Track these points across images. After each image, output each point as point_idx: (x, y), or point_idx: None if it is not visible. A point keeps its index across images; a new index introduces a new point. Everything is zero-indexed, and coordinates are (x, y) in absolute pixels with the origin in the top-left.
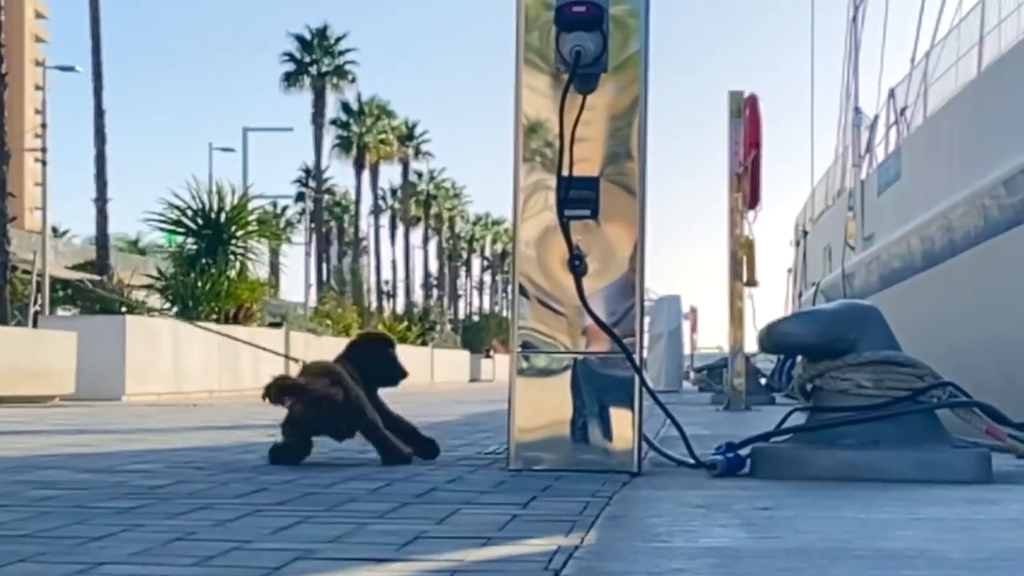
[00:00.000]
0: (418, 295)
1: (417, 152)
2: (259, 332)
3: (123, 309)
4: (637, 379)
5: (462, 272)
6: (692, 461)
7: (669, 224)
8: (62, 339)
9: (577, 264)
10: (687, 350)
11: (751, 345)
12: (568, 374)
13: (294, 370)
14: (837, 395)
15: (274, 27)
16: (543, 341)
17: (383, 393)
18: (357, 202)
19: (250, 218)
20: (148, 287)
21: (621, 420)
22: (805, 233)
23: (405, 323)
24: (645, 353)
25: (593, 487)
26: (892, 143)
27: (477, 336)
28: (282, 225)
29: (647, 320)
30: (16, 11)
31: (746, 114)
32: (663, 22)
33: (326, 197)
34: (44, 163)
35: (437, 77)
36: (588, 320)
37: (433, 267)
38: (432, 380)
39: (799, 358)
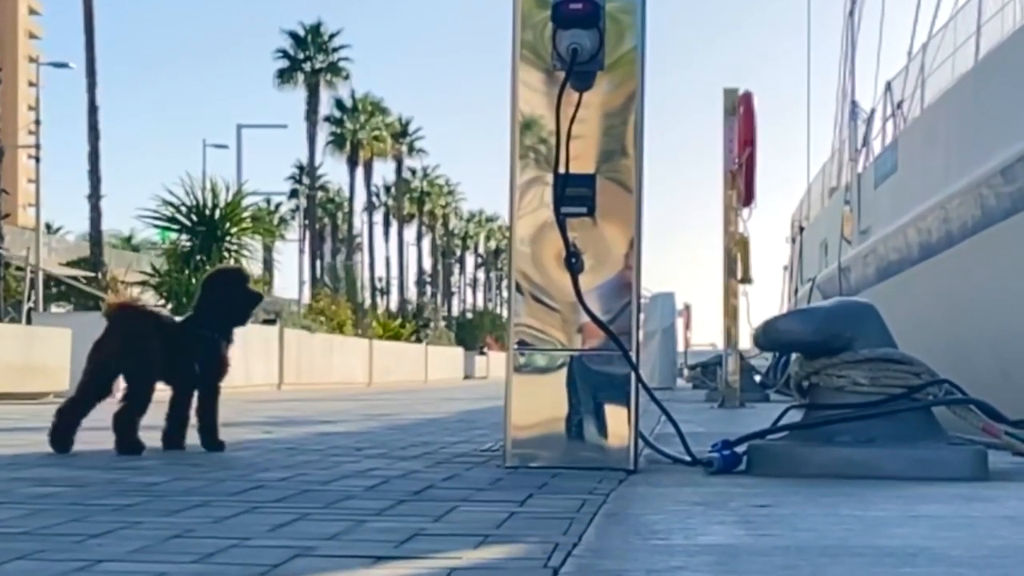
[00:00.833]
0: (412, 292)
1: (411, 149)
2: (252, 330)
3: None
4: (633, 376)
5: (456, 269)
6: (688, 458)
7: (664, 221)
8: (56, 336)
9: (573, 261)
10: (681, 347)
11: (745, 342)
12: (564, 371)
13: None
14: (833, 392)
15: (268, 24)
16: (539, 338)
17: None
18: (351, 199)
19: (244, 215)
20: (142, 284)
21: (617, 417)
22: (801, 229)
23: (399, 320)
24: (640, 351)
25: (590, 484)
26: (889, 136)
27: (471, 333)
28: (276, 222)
29: (641, 317)
30: (10, 7)
31: (741, 111)
32: (659, 19)
33: (320, 194)
34: (38, 160)
35: (431, 74)
36: (584, 317)
37: (427, 264)
38: (426, 377)
39: (794, 355)
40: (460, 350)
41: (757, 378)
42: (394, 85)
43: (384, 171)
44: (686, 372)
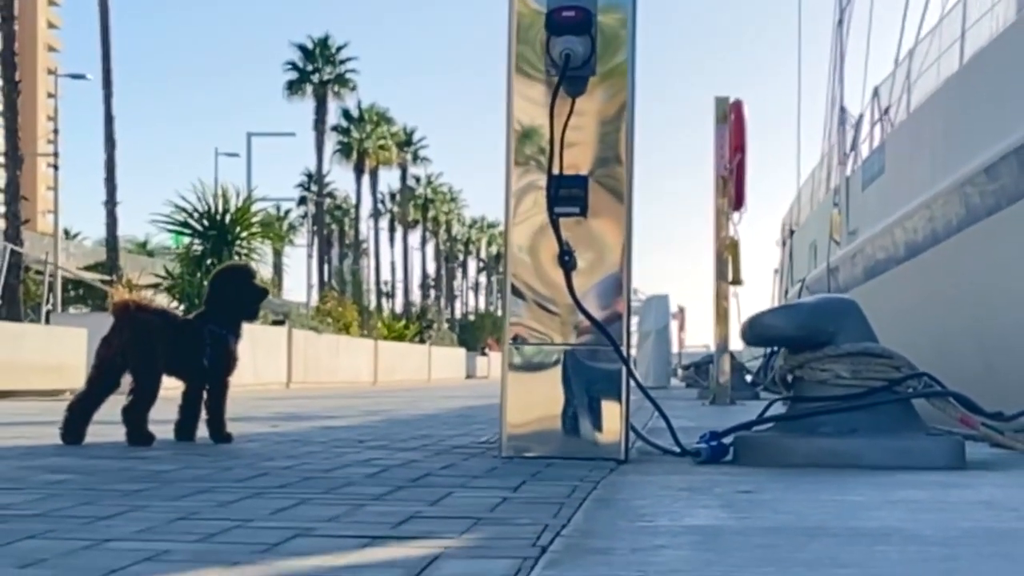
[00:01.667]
0: (416, 295)
1: (415, 157)
2: (262, 330)
3: None
4: (624, 371)
5: (458, 273)
6: (678, 449)
7: (658, 226)
8: (73, 336)
9: (567, 259)
10: (675, 348)
11: (736, 343)
12: (558, 367)
13: None
14: (816, 385)
15: (278, 37)
16: (535, 336)
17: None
18: (357, 205)
19: (254, 220)
20: (156, 286)
21: (609, 411)
22: (791, 232)
23: (404, 322)
24: (634, 350)
25: (581, 473)
26: (876, 140)
27: (473, 334)
28: (285, 228)
29: (636, 319)
30: (29, 21)
31: (731, 119)
32: (651, 30)
33: (327, 201)
34: (56, 168)
35: (434, 85)
36: (578, 317)
37: (431, 268)
38: (429, 376)
39: (780, 351)
40: (462, 351)
41: (748, 378)
42: (399, 96)
43: (389, 179)
44: (680, 372)
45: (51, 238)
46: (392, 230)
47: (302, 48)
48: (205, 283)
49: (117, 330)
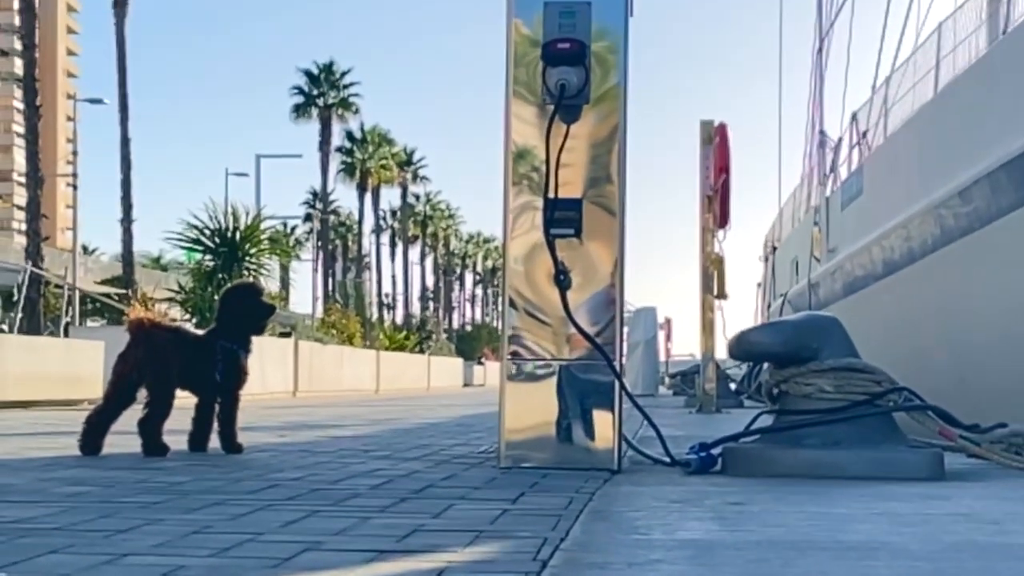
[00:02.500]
0: (416, 307)
1: (415, 176)
2: (269, 341)
3: None
4: (617, 384)
5: (456, 286)
6: (668, 460)
7: (647, 242)
8: (91, 348)
9: (562, 279)
10: (662, 357)
11: (721, 353)
12: (554, 379)
13: None
14: (801, 399)
15: (285, 63)
16: (531, 349)
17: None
18: (360, 222)
19: (262, 237)
20: (169, 300)
21: (602, 422)
22: (774, 249)
23: (404, 332)
24: (624, 360)
25: (577, 483)
26: (855, 162)
27: (470, 345)
28: (292, 243)
29: (626, 330)
30: (49, 48)
31: (716, 141)
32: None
33: (332, 218)
34: (75, 187)
35: (433, 108)
36: (572, 330)
37: (429, 281)
38: (428, 385)
39: (766, 364)
40: (460, 360)
41: (732, 386)
42: (400, 118)
43: (390, 196)
44: (667, 380)
45: (70, 254)
46: (393, 245)
47: (308, 73)
48: (216, 298)
49: (133, 347)
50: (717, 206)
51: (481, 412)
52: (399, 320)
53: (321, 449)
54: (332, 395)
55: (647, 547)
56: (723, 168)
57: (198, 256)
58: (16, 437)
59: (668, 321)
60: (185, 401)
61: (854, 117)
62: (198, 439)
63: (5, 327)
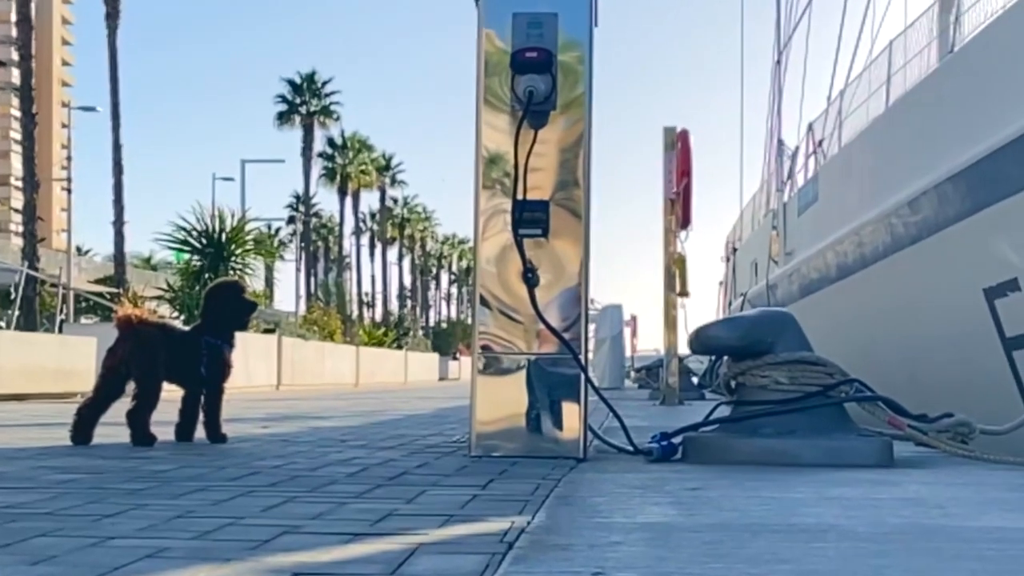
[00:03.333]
0: (394, 305)
1: (393, 181)
2: (254, 337)
3: None
4: (583, 377)
5: (432, 285)
6: (631, 448)
7: (613, 242)
8: (84, 344)
9: (530, 276)
10: (628, 353)
11: (684, 348)
12: (523, 373)
13: None
14: (757, 390)
15: (269, 73)
16: (501, 344)
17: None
18: (341, 224)
19: (247, 238)
20: (159, 298)
21: (569, 413)
22: (735, 250)
23: (383, 329)
24: (591, 356)
25: (544, 471)
26: (811, 170)
27: (445, 341)
28: (275, 244)
29: (592, 327)
30: (45, 59)
31: (678, 147)
32: (606, 66)
33: (314, 220)
34: (69, 191)
35: (410, 116)
36: (540, 326)
37: (407, 281)
38: (406, 379)
39: (725, 359)
40: (436, 356)
41: (694, 380)
42: (378, 126)
43: (370, 200)
44: (632, 374)
45: (64, 255)
46: (372, 246)
47: (291, 83)
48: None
49: (121, 341)
50: (679, 208)
51: (455, 404)
52: (378, 317)
53: (301, 439)
54: (314, 388)
55: (608, 530)
56: (685, 172)
57: (186, 256)
58: (11, 428)
59: (634, 318)
60: (173, 394)
61: (810, 127)
62: (184, 429)
63: (2, 324)
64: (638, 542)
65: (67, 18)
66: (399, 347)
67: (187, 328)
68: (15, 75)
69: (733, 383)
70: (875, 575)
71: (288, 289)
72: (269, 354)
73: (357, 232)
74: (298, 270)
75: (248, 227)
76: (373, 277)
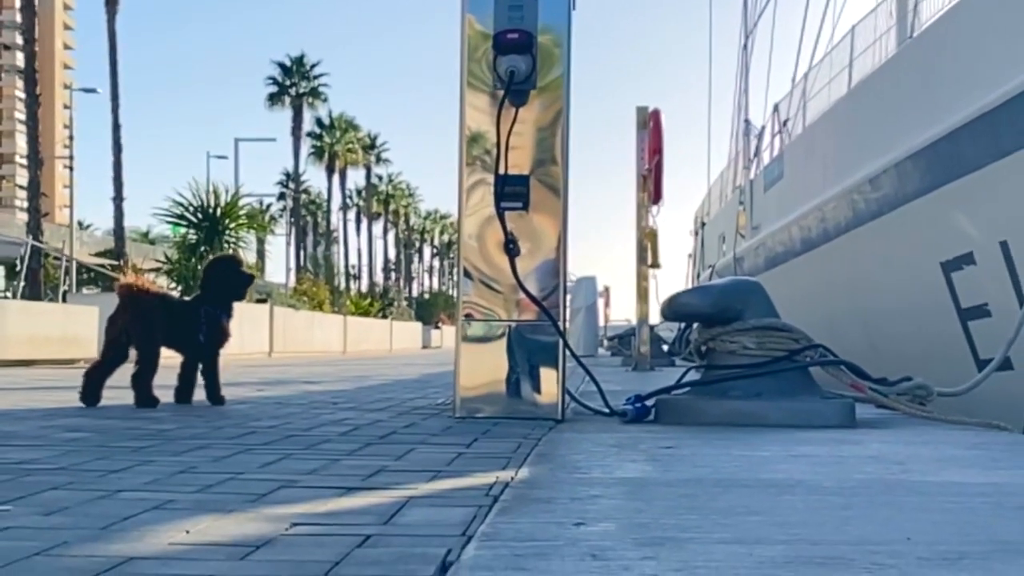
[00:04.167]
0: (379, 277)
1: (378, 159)
2: (247, 307)
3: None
4: (561, 343)
5: (415, 258)
6: (607, 410)
7: (588, 217)
8: (86, 313)
9: (511, 247)
10: (601, 322)
11: (655, 318)
12: (504, 340)
13: None
14: (727, 355)
15: (261, 56)
16: (483, 313)
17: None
18: (329, 200)
19: (241, 213)
20: (157, 270)
21: (548, 377)
22: (703, 224)
23: (368, 299)
24: (567, 325)
25: (524, 431)
26: (776, 149)
27: (428, 311)
28: (267, 219)
29: (568, 297)
30: (48, 43)
31: (650, 125)
32: (583, 49)
33: (303, 196)
34: (71, 169)
35: (395, 97)
36: (520, 296)
37: (391, 254)
38: (391, 347)
39: (695, 326)
40: (419, 325)
41: (664, 347)
42: (364, 106)
43: (356, 177)
44: (606, 343)
45: (67, 229)
46: (358, 221)
47: (281, 65)
48: (199, 267)
49: (122, 310)
50: (651, 184)
51: (438, 371)
52: (364, 288)
53: (294, 402)
54: (304, 355)
55: (588, 484)
56: (656, 150)
57: (183, 230)
58: (19, 391)
59: (607, 289)
60: (173, 360)
61: (776, 108)
62: (183, 392)
63: (9, 294)
64: (616, 495)
65: (68, 4)
66: (384, 317)
67: (187, 298)
68: (19, 58)
69: (703, 348)
70: (842, 525)
71: (279, 261)
72: (262, 323)
73: (344, 208)
74: (288, 244)
75: (241, 203)
76: (359, 250)
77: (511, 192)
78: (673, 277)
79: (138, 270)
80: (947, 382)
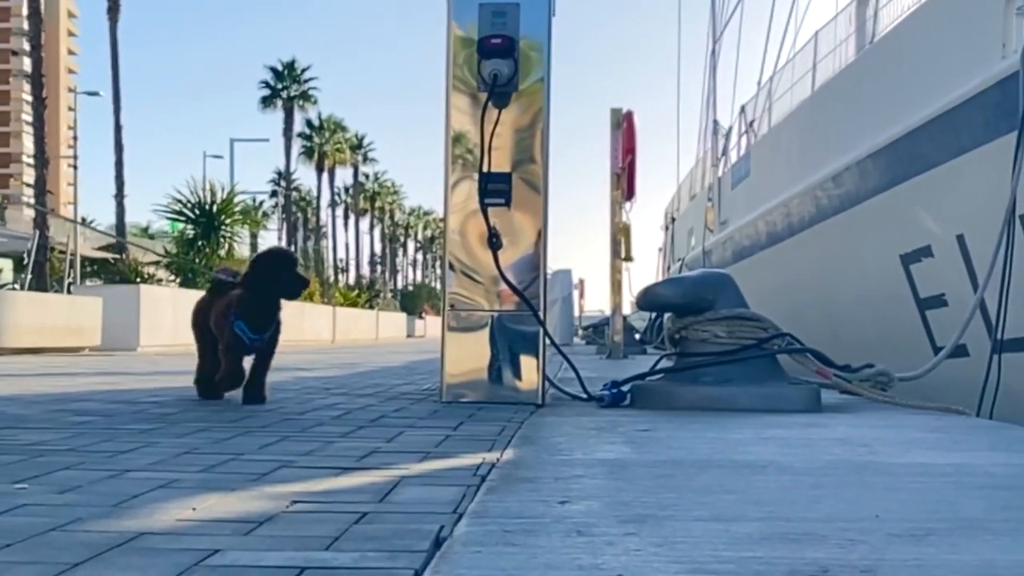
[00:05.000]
0: (366, 270)
1: (365, 158)
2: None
3: (137, 280)
4: (541, 332)
5: (400, 252)
6: (585, 396)
7: (565, 212)
8: (90, 303)
9: (494, 240)
10: (577, 313)
11: (628, 308)
12: (487, 329)
13: None
14: (699, 343)
15: (254, 61)
16: (467, 304)
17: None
18: (318, 197)
19: (235, 209)
20: (156, 263)
21: (528, 364)
22: (673, 219)
23: (356, 291)
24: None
25: (507, 415)
26: (743, 148)
27: (412, 302)
28: (260, 215)
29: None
30: (53, 49)
31: (624, 126)
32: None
33: (294, 194)
34: (75, 168)
35: (380, 100)
36: (501, 287)
37: (377, 248)
38: (377, 336)
39: (667, 315)
40: (404, 315)
41: (637, 336)
42: (352, 108)
43: (344, 176)
44: (581, 332)
45: (71, 224)
46: (346, 217)
47: (273, 70)
48: (197, 261)
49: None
50: (625, 182)
51: (423, 358)
52: (351, 281)
53: (289, 387)
54: (295, 344)
55: (570, 465)
56: (629, 149)
57: (181, 226)
58: (28, 377)
59: (582, 281)
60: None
61: (743, 109)
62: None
63: (17, 286)
64: (598, 475)
65: (73, 12)
66: (371, 307)
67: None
68: (26, 63)
69: (676, 337)
70: (813, 503)
71: None
72: None
73: (332, 204)
74: (280, 238)
75: (236, 199)
76: (347, 245)
77: (494, 189)
78: (645, 270)
79: (138, 264)
80: (907, 369)
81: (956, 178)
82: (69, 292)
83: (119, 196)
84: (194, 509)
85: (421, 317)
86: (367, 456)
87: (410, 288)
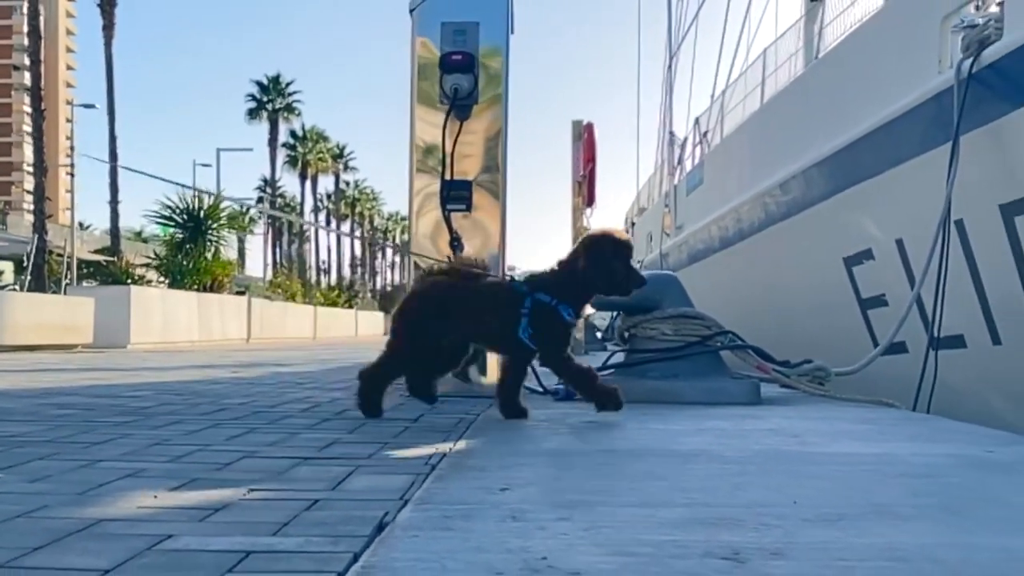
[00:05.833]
0: (346, 272)
1: (346, 167)
2: (228, 299)
3: (129, 281)
4: None
5: (379, 255)
6: (540, 389)
7: (528, 218)
8: (84, 303)
9: (455, 244)
10: None
11: (588, 307)
12: None
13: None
14: (647, 340)
15: (241, 76)
16: None
17: None
18: (301, 204)
19: (223, 215)
20: (147, 265)
21: (491, 360)
22: (633, 224)
23: (336, 292)
24: None
25: (466, 408)
26: (697, 158)
27: (390, 302)
28: (246, 221)
29: None
30: (52, 64)
31: (585, 137)
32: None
33: (279, 200)
34: (72, 175)
35: (360, 112)
36: None
37: (357, 252)
38: (356, 334)
39: (621, 313)
40: (381, 314)
41: (598, 334)
42: (334, 120)
43: (326, 183)
44: None
45: (68, 229)
46: (328, 222)
47: (259, 84)
48: (186, 263)
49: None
50: (586, 189)
51: None
52: (333, 282)
53: (265, 382)
54: (278, 341)
55: (517, 455)
56: (590, 159)
57: (171, 230)
58: (23, 373)
59: None
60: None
61: (697, 121)
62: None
63: (16, 287)
64: (540, 464)
65: (71, 29)
66: (350, 307)
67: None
68: (27, 77)
69: (627, 334)
70: (736, 490)
71: (257, 258)
72: (240, 312)
73: (315, 210)
74: (265, 242)
75: (223, 205)
76: (329, 248)
77: (456, 196)
78: None
79: (130, 266)
80: (849, 365)
81: (895, 186)
82: (65, 293)
83: (113, 202)
84: (155, 497)
85: None
86: (328, 446)
87: (388, 289)
